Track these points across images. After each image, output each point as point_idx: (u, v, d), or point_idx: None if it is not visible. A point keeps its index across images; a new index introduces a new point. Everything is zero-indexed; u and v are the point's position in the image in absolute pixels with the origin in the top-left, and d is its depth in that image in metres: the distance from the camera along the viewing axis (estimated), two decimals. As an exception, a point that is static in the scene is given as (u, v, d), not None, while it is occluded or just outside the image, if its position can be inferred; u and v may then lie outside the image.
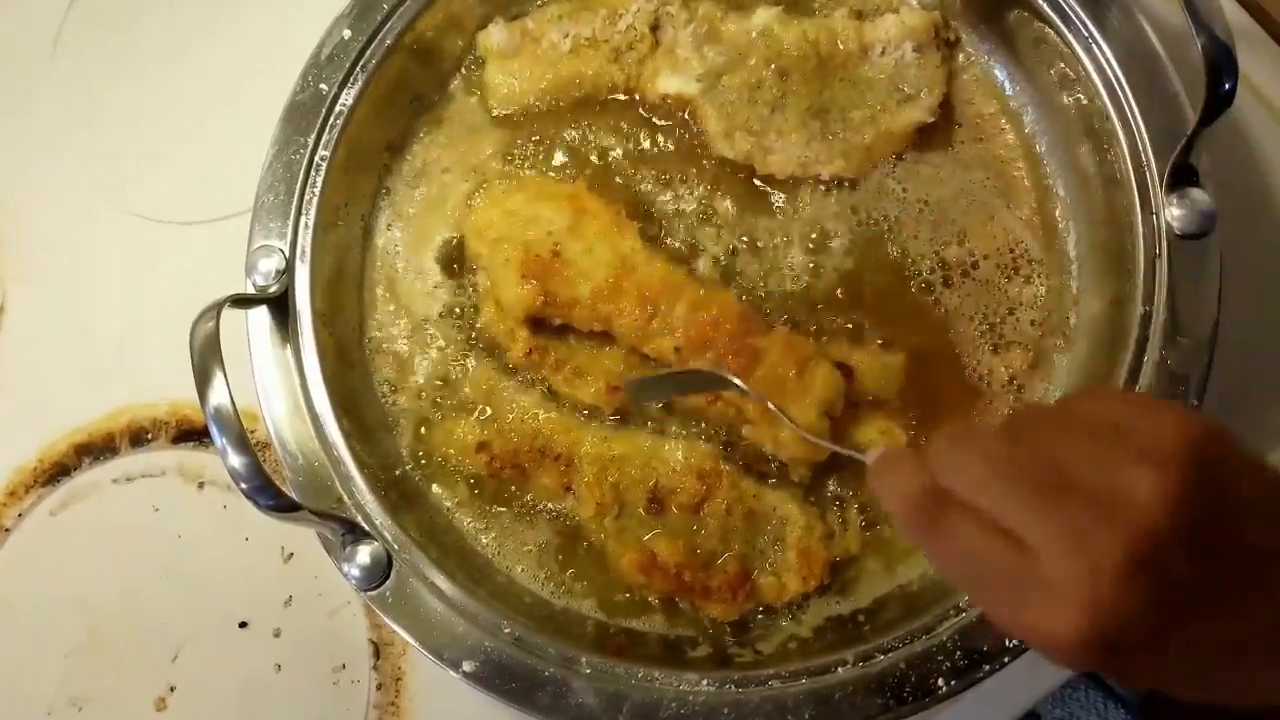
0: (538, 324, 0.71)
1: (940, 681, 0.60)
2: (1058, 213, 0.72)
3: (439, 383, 0.73)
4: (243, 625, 0.79)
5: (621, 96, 0.76)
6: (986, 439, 0.46)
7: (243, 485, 0.56)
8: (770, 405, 0.64)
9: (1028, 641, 0.45)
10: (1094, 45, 0.67)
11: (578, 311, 0.70)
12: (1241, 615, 0.43)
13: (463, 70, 0.79)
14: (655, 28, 0.75)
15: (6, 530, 0.83)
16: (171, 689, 0.78)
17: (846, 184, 0.74)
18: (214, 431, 0.56)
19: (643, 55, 0.75)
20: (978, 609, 0.61)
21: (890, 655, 0.61)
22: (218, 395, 0.57)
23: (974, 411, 0.70)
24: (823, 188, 0.74)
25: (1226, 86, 0.57)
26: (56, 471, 0.83)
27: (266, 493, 0.57)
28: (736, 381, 0.64)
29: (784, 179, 0.73)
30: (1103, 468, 0.43)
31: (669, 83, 0.74)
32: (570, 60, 0.75)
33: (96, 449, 0.83)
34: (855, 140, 0.72)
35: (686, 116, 0.75)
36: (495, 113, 0.77)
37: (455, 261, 0.75)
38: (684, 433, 0.70)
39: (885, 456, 0.51)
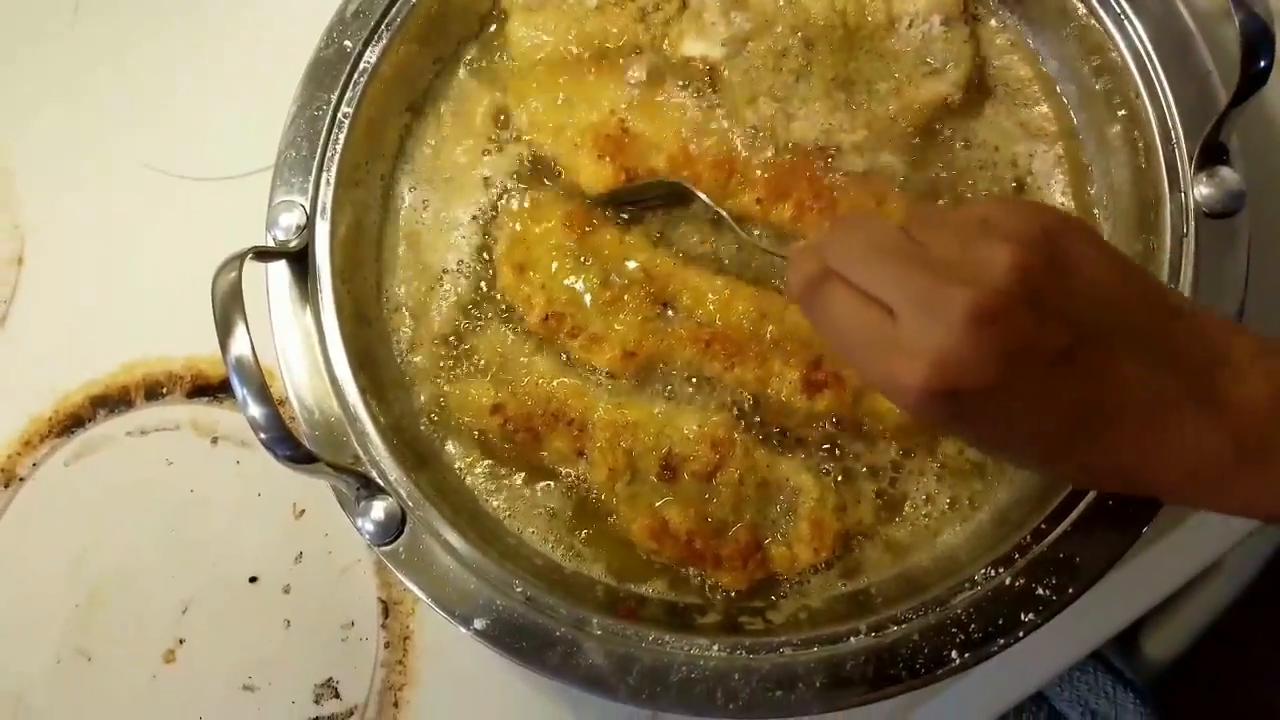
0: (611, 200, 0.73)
1: (953, 654, 0.60)
2: (1089, 189, 0.72)
3: (454, 342, 0.73)
4: (253, 580, 0.79)
5: (650, 57, 0.75)
6: (871, 224, 0.54)
7: (262, 435, 0.56)
8: (723, 212, 0.69)
9: (890, 395, 0.51)
10: (1125, 21, 0.67)
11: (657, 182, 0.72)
12: (1069, 384, 0.49)
13: (483, 33, 0.78)
14: None
15: (21, 479, 0.83)
16: (180, 642, 0.79)
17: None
18: (235, 381, 0.56)
19: (669, 16, 0.74)
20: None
21: (903, 626, 0.61)
22: (239, 345, 0.57)
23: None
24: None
25: (1262, 64, 0.56)
26: (71, 423, 0.83)
27: (286, 443, 0.57)
28: (701, 195, 0.69)
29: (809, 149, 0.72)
30: (965, 245, 0.49)
31: (694, 46, 0.73)
32: (595, 16, 0.75)
33: (112, 401, 0.83)
34: (880, 111, 0.71)
35: (708, 80, 0.75)
36: (516, 67, 0.76)
37: (480, 216, 0.75)
38: (698, 400, 0.70)
39: (795, 248, 0.57)
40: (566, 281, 0.71)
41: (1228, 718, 0.91)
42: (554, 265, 0.72)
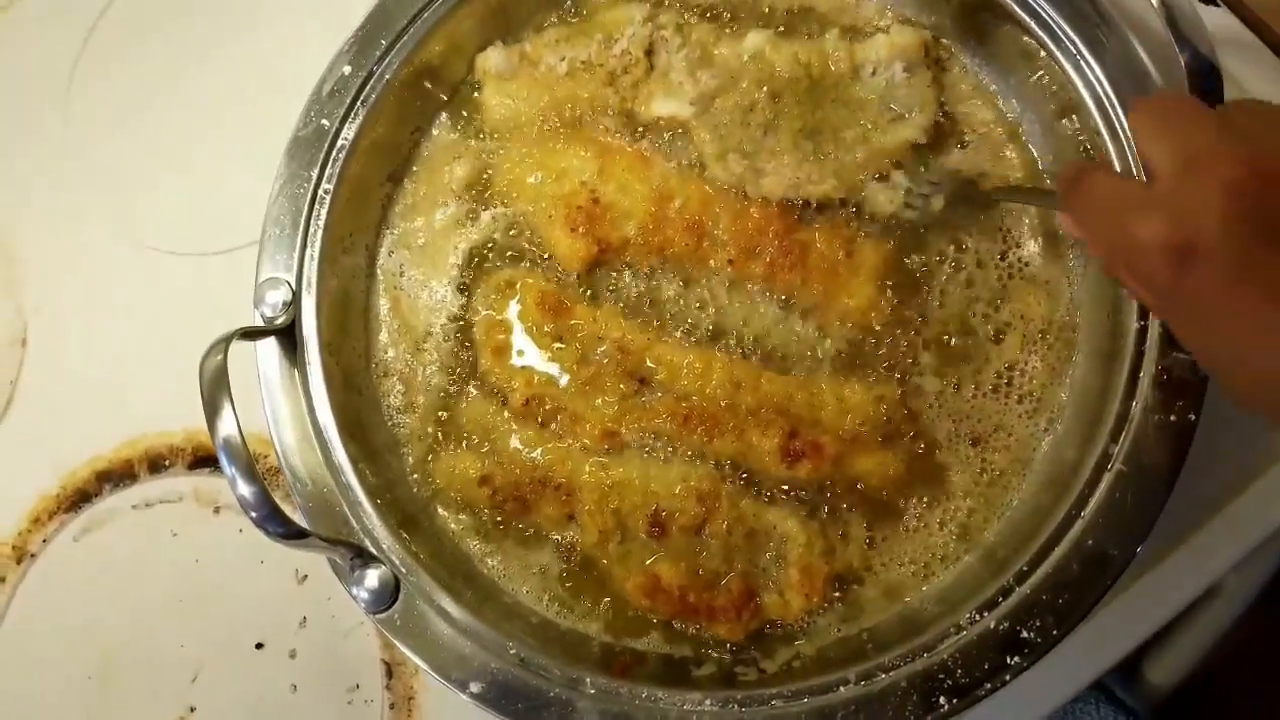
0: (594, 268, 0.74)
1: (942, 700, 0.61)
2: (1058, 222, 0.72)
3: (441, 414, 0.74)
4: (259, 646, 0.80)
5: (620, 119, 0.77)
6: (1173, 96, 0.55)
7: (252, 514, 0.58)
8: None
9: (1125, 260, 0.51)
10: (1083, 63, 0.67)
11: (631, 251, 0.73)
12: None
13: (459, 98, 0.80)
14: (650, 52, 0.76)
15: (32, 556, 0.85)
16: (191, 709, 0.80)
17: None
18: (223, 462, 0.58)
19: (637, 79, 0.76)
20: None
21: (891, 674, 0.62)
22: (226, 427, 0.58)
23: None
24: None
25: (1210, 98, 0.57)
26: (78, 498, 0.85)
27: (275, 520, 0.58)
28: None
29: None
30: (1255, 121, 0.48)
31: (664, 105, 0.75)
32: (566, 83, 0.77)
33: (116, 475, 0.85)
34: (848, 160, 0.72)
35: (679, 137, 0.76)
36: (491, 135, 0.78)
37: (460, 284, 0.76)
38: (681, 456, 0.71)
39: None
40: (544, 366, 0.73)
41: (1232, 744, 0.91)
42: (531, 348, 0.73)
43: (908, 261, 0.73)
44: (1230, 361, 0.50)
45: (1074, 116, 0.69)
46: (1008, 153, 0.74)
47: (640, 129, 0.76)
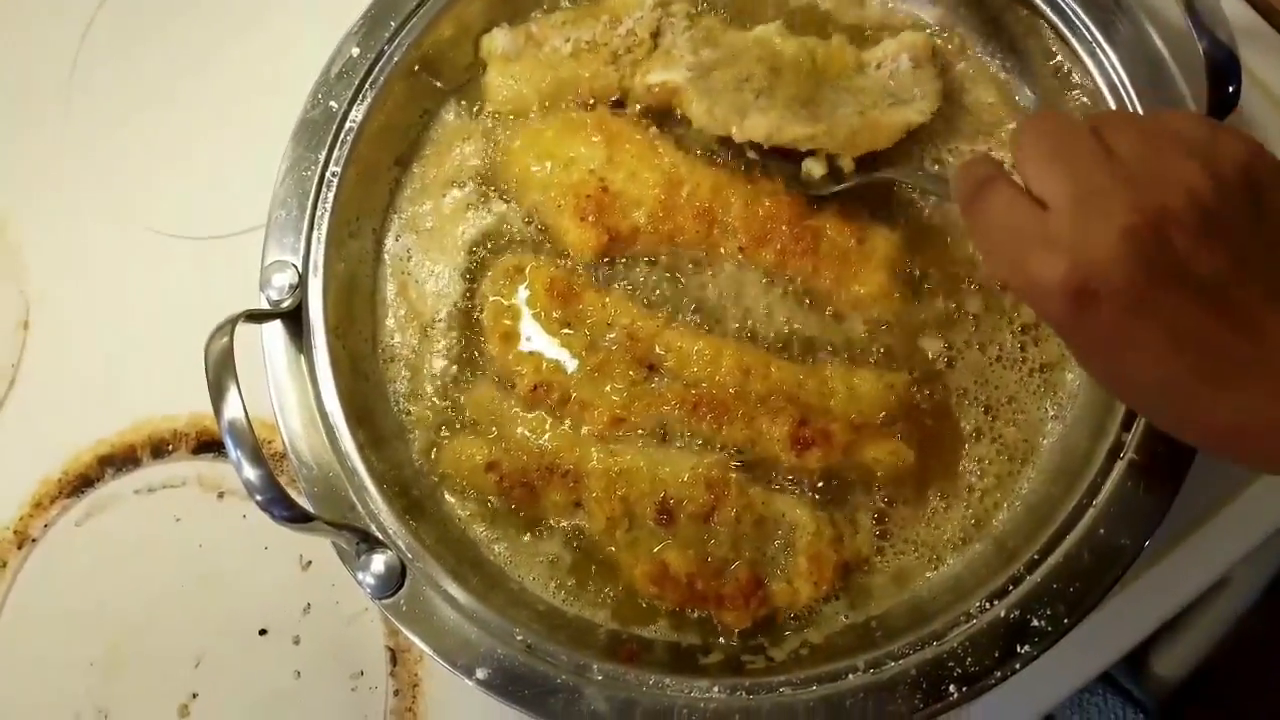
0: (606, 259, 0.74)
1: (951, 688, 0.60)
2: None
3: (448, 400, 0.74)
4: (263, 633, 0.80)
5: (616, 98, 0.76)
6: (1062, 120, 0.52)
7: (257, 498, 0.57)
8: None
9: (1026, 296, 0.50)
10: (1098, 49, 0.67)
11: (642, 239, 0.72)
12: (1213, 322, 0.47)
13: (467, 83, 0.79)
14: (656, 34, 0.76)
15: (33, 541, 0.85)
16: (194, 696, 0.80)
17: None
18: (229, 445, 0.58)
19: (639, 58, 0.75)
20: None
21: (901, 662, 0.61)
22: (232, 410, 0.58)
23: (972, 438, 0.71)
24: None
25: (1230, 90, 0.56)
26: (81, 483, 0.85)
27: (281, 504, 0.58)
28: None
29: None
30: (1152, 154, 0.48)
31: (659, 75, 0.73)
32: (570, 63, 0.76)
33: (119, 460, 0.85)
34: (841, 121, 0.71)
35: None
36: (497, 118, 0.78)
37: (468, 270, 0.76)
38: (690, 443, 0.70)
39: (970, 158, 0.61)
40: (552, 352, 0.73)
41: (1240, 737, 0.91)
42: (539, 334, 0.73)
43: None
44: (1127, 384, 0.52)
45: (1085, 102, 0.69)
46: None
47: (635, 104, 0.75)
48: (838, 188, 0.71)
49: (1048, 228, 0.48)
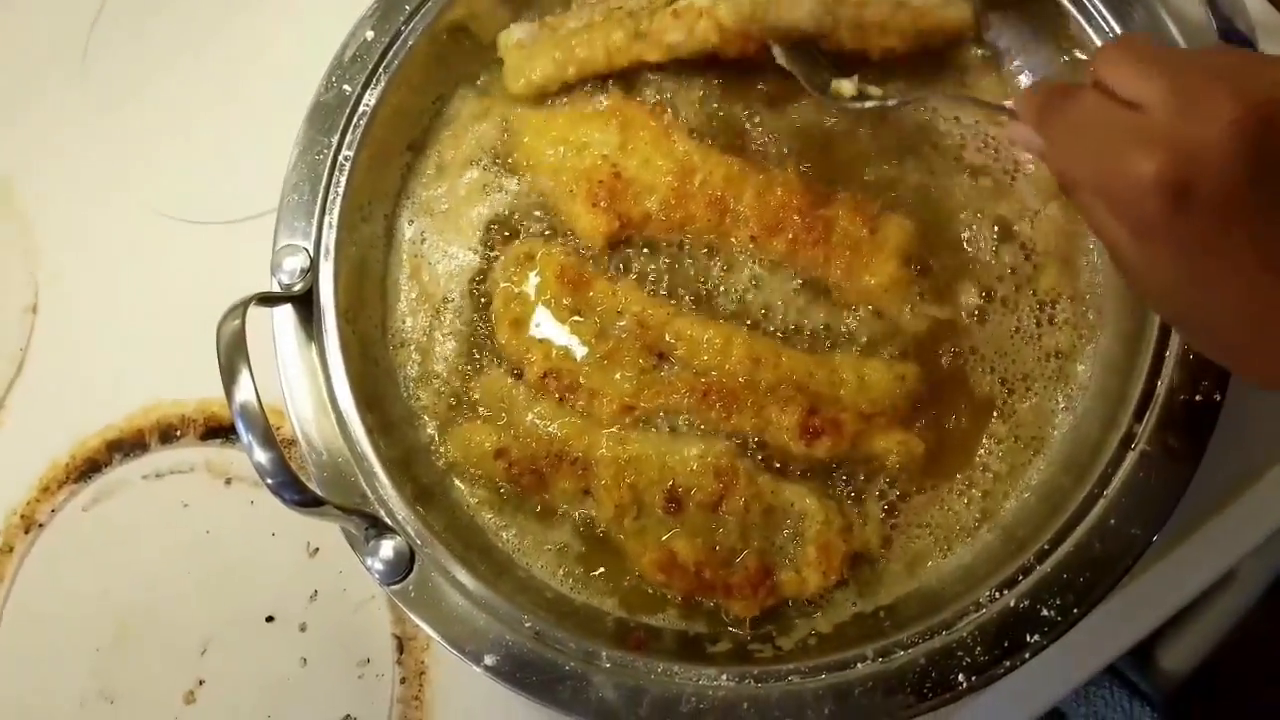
0: (617, 246, 0.74)
1: (960, 677, 0.60)
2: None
3: (458, 386, 0.74)
4: (269, 619, 0.80)
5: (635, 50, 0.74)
6: (1144, 37, 0.53)
7: (268, 480, 0.57)
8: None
9: (1114, 196, 0.48)
10: (1113, 37, 0.67)
11: (652, 226, 0.72)
12: None
13: (481, 70, 0.79)
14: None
15: (41, 525, 0.85)
16: (200, 682, 0.80)
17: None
18: (240, 428, 0.57)
19: (656, 8, 0.74)
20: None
21: (910, 651, 0.61)
22: (243, 392, 0.58)
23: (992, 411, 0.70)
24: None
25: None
26: (88, 468, 0.85)
27: (291, 488, 0.58)
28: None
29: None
30: (1244, 63, 0.47)
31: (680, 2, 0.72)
32: (585, 36, 0.75)
33: (127, 445, 0.85)
34: (872, 14, 0.70)
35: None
36: (511, 101, 0.77)
37: (480, 256, 0.76)
38: (700, 431, 0.70)
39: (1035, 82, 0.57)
40: (562, 339, 0.72)
41: (1246, 730, 0.91)
42: (550, 321, 0.73)
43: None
44: (1201, 306, 0.50)
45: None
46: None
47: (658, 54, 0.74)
48: (868, 104, 0.70)
49: (1146, 124, 0.46)
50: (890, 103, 0.71)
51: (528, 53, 0.76)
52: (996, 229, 0.72)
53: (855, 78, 0.71)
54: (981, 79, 0.75)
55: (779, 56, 0.72)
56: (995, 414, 0.70)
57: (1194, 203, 0.45)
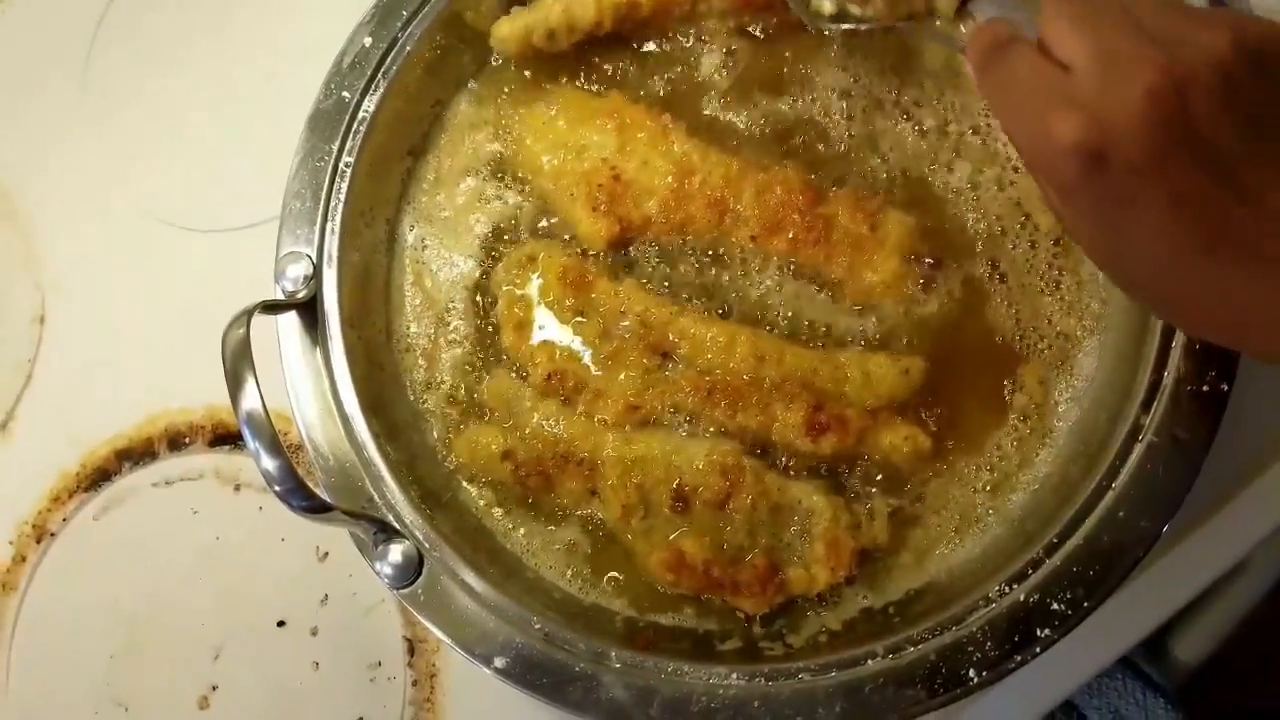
0: (618, 248, 0.74)
1: (971, 672, 0.60)
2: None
3: (463, 389, 0.74)
4: (281, 624, 0.80)
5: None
6: None
7: (276, 488, 0.57)
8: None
9: (1035, 157, 0.50)
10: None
11: (653, 229, 0.72)
12: (1219, 195, 0.46)
13: (480, 74, 0.79)
14: None
15: (52, 535, 0.85)
16: (214, 688, 0.80)
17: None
18: (247, 436, 0.57)
19: None
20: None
21: (920, 647, 0.61)
22: (250, 400, 0.58)
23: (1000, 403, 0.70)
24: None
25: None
26: (98, 477, 0.85)
27: (299, 494, 0.58)
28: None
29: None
30: (1185, 22, 0.48)
31: None
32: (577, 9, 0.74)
33: (136, 454, 0.85)
34: None
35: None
36: (511, 105, 0.77)
37: (482, 259, 0.76)
38: (705, 431, 0.70)
39: (988, 20, 0.58)
40: (566, 340, 0.72)
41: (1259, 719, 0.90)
42: (553, 323, 0.73)
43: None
44: (1125, 259, 0.51)
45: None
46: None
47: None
48: (845, 25, 0.70)
49: (1069, 87, 0.48)
50: (863, 27, 0.70)
51: (518, 18, 0.75)
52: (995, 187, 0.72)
53: None
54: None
55: None
56: (1002, 406, 0.70)
57: (1108, 163, 0.46)
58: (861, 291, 0.71)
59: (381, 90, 0.73)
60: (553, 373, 0.71)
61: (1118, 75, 0.46)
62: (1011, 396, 0.70)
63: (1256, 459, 0.73)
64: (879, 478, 0.69)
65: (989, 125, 0.74)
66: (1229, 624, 0.84)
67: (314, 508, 0.59)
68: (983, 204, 0.72)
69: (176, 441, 0.85)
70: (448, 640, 0.64)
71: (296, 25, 0.92)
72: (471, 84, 0.79)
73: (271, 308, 0.69)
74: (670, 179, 0.72)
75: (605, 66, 0.77)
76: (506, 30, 0.75)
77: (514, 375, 0.73)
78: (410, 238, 0.77)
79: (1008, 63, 0.52)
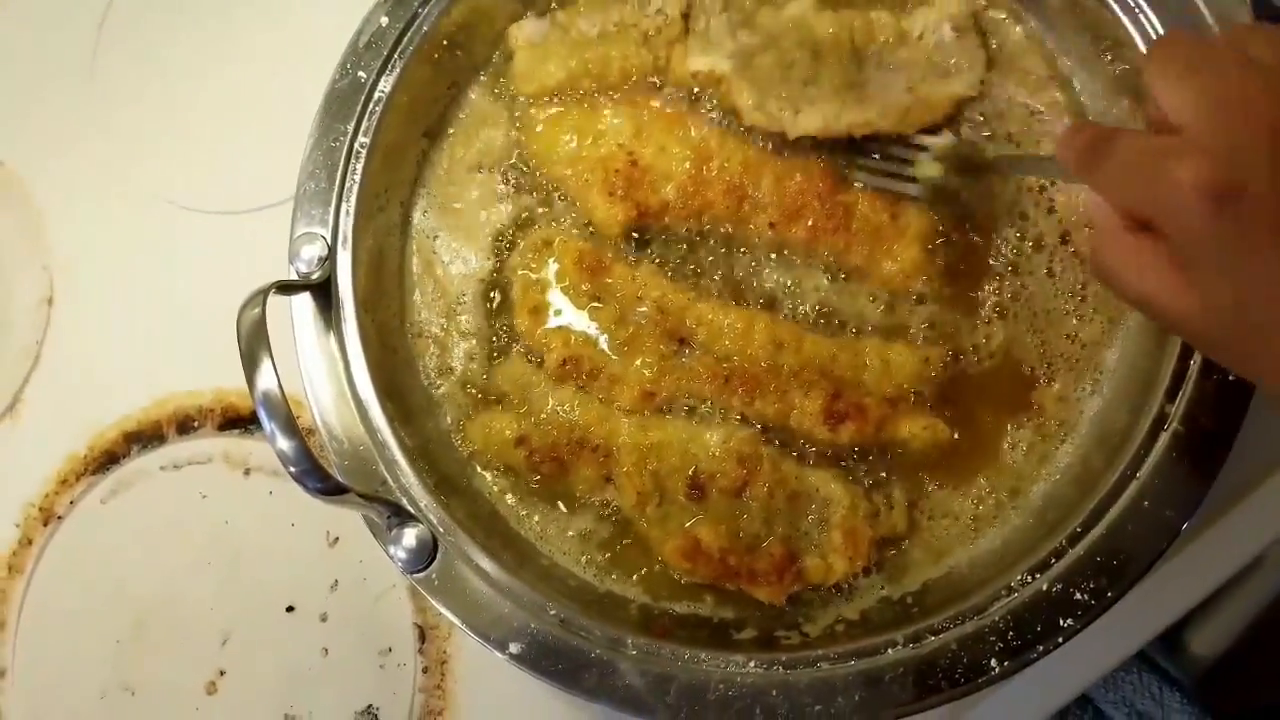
0: (633, 232, 0.73)
1: (993, 662, 0.60)
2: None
3: (478, 374, 0.73)
4: (290, 610, 0.80)
5: (653, 80, 0.75)
6: (1186, 37, 0.51)
7: (291, 469, 0.57)
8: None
9: (1161, 210, 0.48)
10: (1140, 14, 0.66)
11: (670, 215, 0.71)
12: None
13: (494, 60, 0.78)
14: (686, 15, 0.74)
15: (59, 518, 0.84)
16: (221, 673, 0.80)
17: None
18: (262, 416, 0.57)
19: (672, 38, 0.74)
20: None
21: (941, 636, 0.60)
22: (265, 380, 0.57)
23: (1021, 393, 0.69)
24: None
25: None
26: (106, 459, 0.85)
27: (314, 476, 0.57)
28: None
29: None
30: (1272, 65, 0.47)
31: (699, 61, 0.72)
32: (598, 45, 0.75)
33: (145, 437, 0.84)
34: (894, 101, 0.70)
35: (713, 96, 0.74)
36: (524, 99, 0.76)
37: (497, 244, 0.75)
38: (722, 417, 0.70)
39: (1070, 126, 0.57)
40: (582, 325, 0.72)
41: (1277, 715, 0.90)
42: (569, 308, 0.72)
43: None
44: (1251, 310, 0.48)
45: (1124, 65, 0.68)
46: (1058, 96, 0.73)
47: (674, 88, 0.74)
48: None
49: (1186, 141, 0.47)
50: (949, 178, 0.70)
51: (540, 54, 0.75)
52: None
53: (933, 154, 0.70)
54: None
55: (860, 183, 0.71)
56: (1024, 397, 0.69)
57: (1241, 204, 0.45)
58: (881, 279, 0.70)
59: (397, 71, 0.72)
60: (568, 358, 0.71)
61: (1239, 117, 0.46)
62: (1034, 387, 0.69)
63: (1275, 453, 0.72)
64: (897, 467, 0.69)
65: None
66: (1246, 619, 0.84)
67: (329, 490, 0.58)
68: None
69: (185, 425, 0.84)
70: (462, 626, 0.63)
71: (309, 8, 0.91)
72: (486, 67, 0.78)
73: (286, 288, 0.68)
74: (688, 164, 0.72)
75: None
76: (524, 70, 0.75)
77: (528, 360, 0.72)
78: (424, 222, 0.76)
79: (1115, 153, 0.50)
